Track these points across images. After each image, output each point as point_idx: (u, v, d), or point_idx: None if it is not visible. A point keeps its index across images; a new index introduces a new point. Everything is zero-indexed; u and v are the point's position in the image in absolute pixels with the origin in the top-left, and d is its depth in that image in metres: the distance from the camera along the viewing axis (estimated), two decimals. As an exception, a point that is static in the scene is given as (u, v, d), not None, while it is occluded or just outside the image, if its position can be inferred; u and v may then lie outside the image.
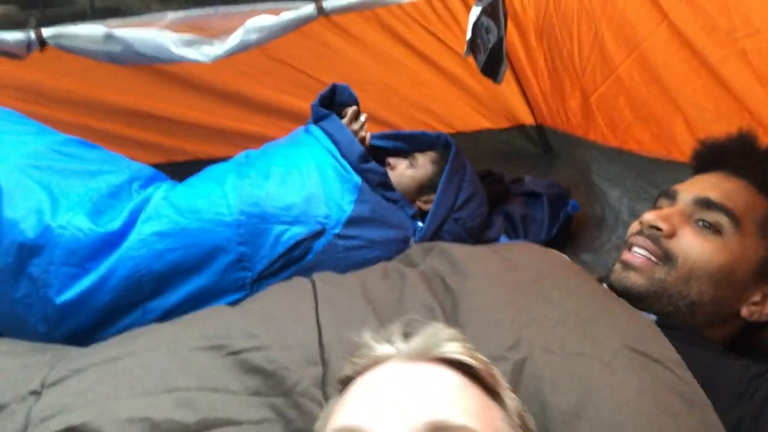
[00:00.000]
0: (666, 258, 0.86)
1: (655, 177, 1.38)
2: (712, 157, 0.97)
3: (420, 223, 1.31)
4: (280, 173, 1.22)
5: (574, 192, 1.78)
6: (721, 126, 1.07)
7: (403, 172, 1.48)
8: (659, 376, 0.65)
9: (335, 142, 1.32)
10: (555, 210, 1.58)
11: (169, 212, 1.12)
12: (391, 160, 1.51)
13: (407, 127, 2.04)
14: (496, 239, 1.49)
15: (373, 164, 1.29)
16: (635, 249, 0.90)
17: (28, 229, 1.03)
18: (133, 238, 1.09)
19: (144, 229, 1.09)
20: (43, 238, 1.03)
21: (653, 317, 0.85)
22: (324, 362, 0.69)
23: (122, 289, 1.05)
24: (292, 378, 0.66)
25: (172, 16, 1.65)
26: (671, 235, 0.87)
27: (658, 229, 0.88)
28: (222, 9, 1.70)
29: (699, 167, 0.99)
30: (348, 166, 1.26)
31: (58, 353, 0.79)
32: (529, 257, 0.87)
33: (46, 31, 1.57)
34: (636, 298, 0.87)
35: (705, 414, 0.63)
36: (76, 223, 1.10)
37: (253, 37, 1.61)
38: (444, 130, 2.10)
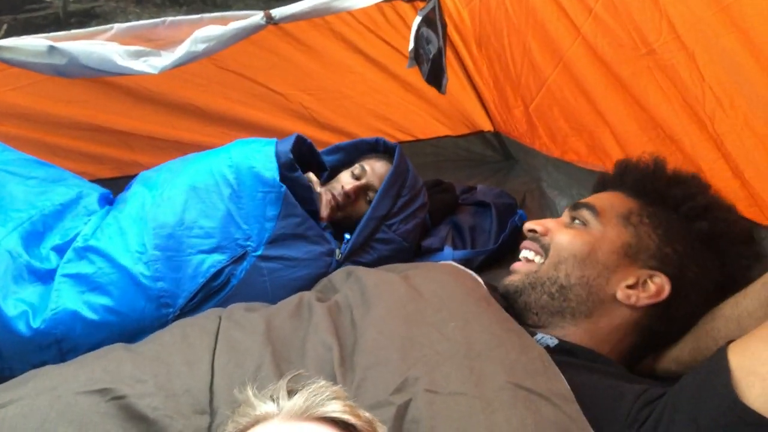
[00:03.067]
0: (543, 250, 1.01)
1: (596, 188, 1.37)
2: (600, 186, 1.13)
3: (347, 235, 1.26)
4: (190, 192, 1.17)
5: (529, 199, 1.76)
6: (642, 140, 1.07)
7: (362, 207, 1.37)
8: (542, 413, 0.65)
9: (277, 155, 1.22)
10: (503, 220, 1.58)
11: (88, 254, 1.10)
12: (348, 188, 1.35)
13: (364, 135, 2.03)
14: (440, 249, 1.48)
15: (299, 173, 1.23)
16: (522, 254, 1.06)
17: None
18: (55, 279, 1.07)
19: (63, 270, 1.08)
20: None
21: (554, 341, 0.86)
22: (212, 411, 0.68)
23: (34, 327, 1.02)
24: (174, 427, 0.65)
25: (117, 27, 1.63)
26: (545, 233, 1.03)
27: (535, 231, 1.04)
28: (169, 19, 1.68)
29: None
30: (275, 173, 1.17)
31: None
32: (437, 283, 0.87)
33: (-13, 45, 1.55)
34: (514, 294, 1.00)
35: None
36: (6, 245, 1.09)
37: (201, 47, 1.58)
38: (403, 137, 2.09)
